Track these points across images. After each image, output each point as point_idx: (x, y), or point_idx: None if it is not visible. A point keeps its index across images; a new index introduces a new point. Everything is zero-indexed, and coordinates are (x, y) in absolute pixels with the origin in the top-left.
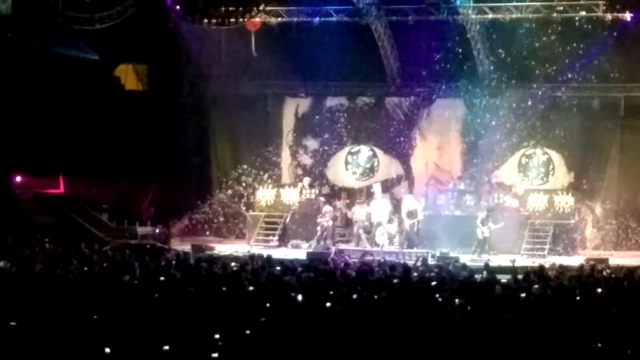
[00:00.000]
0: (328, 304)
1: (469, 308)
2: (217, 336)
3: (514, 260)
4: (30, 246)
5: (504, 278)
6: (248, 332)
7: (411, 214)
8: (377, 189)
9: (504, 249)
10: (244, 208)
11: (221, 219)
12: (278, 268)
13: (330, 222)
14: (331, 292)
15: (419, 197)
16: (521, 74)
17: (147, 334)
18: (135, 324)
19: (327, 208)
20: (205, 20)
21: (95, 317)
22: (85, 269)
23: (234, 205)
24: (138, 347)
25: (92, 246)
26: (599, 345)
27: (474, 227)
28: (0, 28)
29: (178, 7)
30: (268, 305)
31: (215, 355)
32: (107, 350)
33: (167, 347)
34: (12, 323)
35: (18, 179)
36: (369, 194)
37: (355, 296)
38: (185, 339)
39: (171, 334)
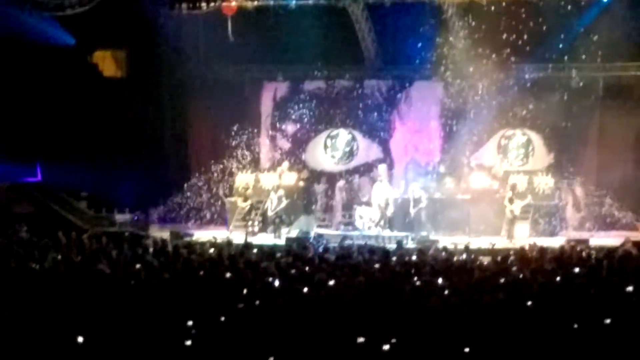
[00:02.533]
0: (306, 289)
1: (447, 291)
2: (190, 323)
3: (494, 244)
4: (7, 236)
5: (484, 260)
6: (222, 319)
7: (416, 202)
8: (382, 170)
9: (484, 231)
10: (222, 193)
11: (200, 205)
12: (255, 252)
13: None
14: (309, 277)
15: (399, 180)
16: (500, 55)
17: (121, 322)
18: (110, 312)
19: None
20: (179, 5)
21: (69, 305)
22: (60, 257)
23: (212, 190)
24: (112, 335)
25: (70, 234)
26: (577, 326)
27: (454, 209)
28: None
29: None
30: (245, 291)
31: (189, 342)
32: (80, 339)
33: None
34: None
35: None
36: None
37: (333, 281)
38: (158, 327)
39: (145, 321)
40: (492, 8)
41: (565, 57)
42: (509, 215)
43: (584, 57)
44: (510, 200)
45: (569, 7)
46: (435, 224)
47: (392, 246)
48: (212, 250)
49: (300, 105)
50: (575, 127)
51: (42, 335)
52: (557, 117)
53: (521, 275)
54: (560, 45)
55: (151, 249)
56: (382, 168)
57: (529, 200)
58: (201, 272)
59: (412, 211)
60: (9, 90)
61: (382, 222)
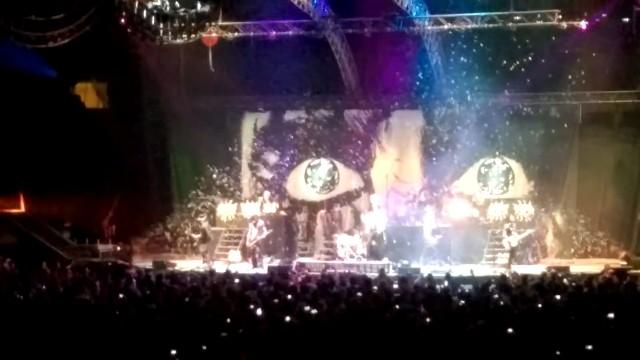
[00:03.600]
0: (288, 318)
1: (428, 319)
2: (173, 352)
3: (472, 271)
4: None
5: (465, 288)
6: (204, 347)
7: (435, 231)
8: (374, 200)
9: (464, 259)
10: (206, 224)
11: (182, 235)
12: (237, 281)
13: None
14: (291, 306)
15: (378, 209)
16: (479, 85)
17: (105, 352)
18: (94, 342)
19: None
20: (160, 36)
21: (53, 335)
22: (44, 287)
23: (194, 221)
24: None
25: (54, 265)
26: (559, 353)
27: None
28: None
29: (128, 25)
30: (228, 320)
31: None
32: None
33: None
34: None
35: None
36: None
37: (315, 310)
38: (142, 356)
39: (129, 351)
40: (472, 38)
41: (544, 86)
42: (507, 247)
43: (562, 85)
44: (508, 232)
45: (549, 36)
46: (417, 252)
47: (373, 275)
48: (194, 280)
49: (281, 135)
50: (555, 155)
51: None
52: (536, 145)
53: (502, 303)
54: (539, 74)
55: (134, 279)
56: (374, 197)
57: (528, 233)
58: (184, 302)
59: (431, 239)
60: None
61: (372, 251)
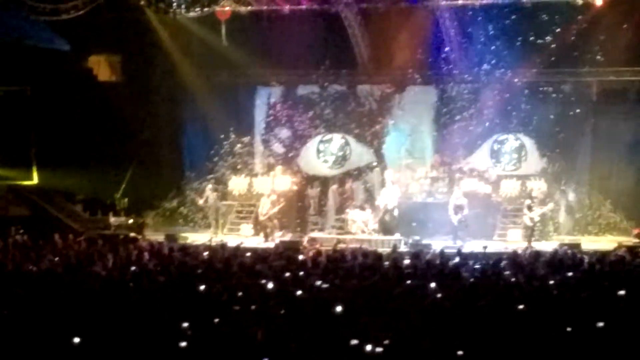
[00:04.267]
0: (299, 292)
1: (439, 295)
2: (185, 325)
3: (486, 247)
4: (4, 238)
5: (476, 264)
6: (216, 320)
7: (459, 208)
8: (387, 175)
9: (477, 235)
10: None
11: (194, 208)
12: (248, 255)
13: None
14: (302, 281)
15: (391, 184)
16: (492, 60)
17: (116, 324)
18: (106, 315)
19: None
20: (173, 9)
21: (65, 307)
22: (56, 259)
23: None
24: (107, 337)
25: (66, 237)
26: (570, 329)
27: (446, 214)
28: None
29: None
30: (239, 293)
31: (184, 344)
32: (76, 340)
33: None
34: None
35: None
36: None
37: (326, 285)
38: (153, 328)
39: (140, 323)
40: (486, 13)
41: (559, 62)
42: (529, 223)
43: (577, 62)
44: (529, 208)
45: (563, 11)
46: (428, 228)
47: (385, 250)
48: (206, 253)
49: (294, 109)
50: (569, 132)
51: (39, 336)
52: (550, 121)
53: (514, 279)
54: (554, 50)
55: (146, 252)
56: (388, 173)
57: (549, 207)
58: (195, 274)
59: (455, 218)
60: (5, 94)
61: (383, 226)
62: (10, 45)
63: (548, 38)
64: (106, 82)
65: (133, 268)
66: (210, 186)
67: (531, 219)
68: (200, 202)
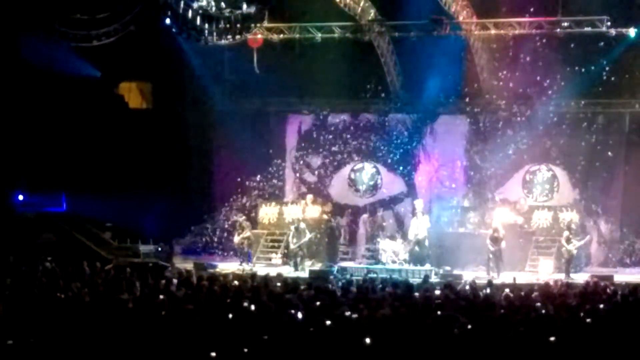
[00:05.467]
0: (328, 322)
1: (470, 326)
2: (213, 354)
3: (514, 279)
4: (32, 265)
5: (508, 295)
6: (246, 350)
7: (495, 240)
8: (418, 205)
9: (508, 266)
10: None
11: (223, 236)
12: (279, 285)
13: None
14: (332, 310)
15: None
16: (525, 90)
17: (145, 353)
18: (134, 343)
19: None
20: (205, 37)
21: (93, 335)
22: (84, 287)
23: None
24: None
25: (94, 265)
26: None
27: (478, 244)
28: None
29: (173, 24)
30: (268, 323)
31: None
32: None
33: None
34: (9, 342)
35: (21, 197)
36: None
37: (355, 315)
38: (182, 357)
39: (169, 352)
40: (518, 43)
41: (592, 93)
42: (566, 256)
43: (610, 93)
44: (568, 240)
45: (596, 42)
46: (459, 258)
47: (415, 280)
48: (235, 282)
49: (325, 138)
50: (601, 163)
51: None
52: (582, 152)
53: (544, 311)
54: (587, 81)
55: (175, 280)
56: (419, 203)
57: (587, 239)
58: (225, 304)
59: (492, 249)
60: (36, 121)
61: (414, 256)
62: (40, 72)
63: (581, 69)
64: (137, 109)
65: (161, 296)
66: (243, 218)
67: (569, 252)
68: (238, 238)
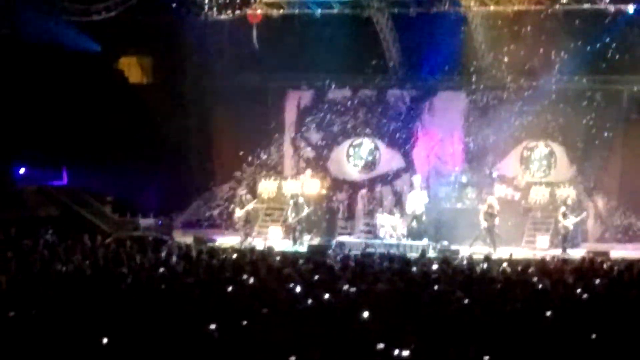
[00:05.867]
0: (327, 296)
1: (467, 300)
2: (212, 327)
3: (511, 254)
4: (33, 238)
5: (505, 271)
6: (244, 323)
7: (488, 216)
8: (416, 180)
9: (504, 242)
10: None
11: (223, 211)
12: (278, 259)
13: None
14: (330, 284)
15: (420, 190)
16: (523, 67)
17: (144, 325)
18: (133, 316)
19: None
20: (204, 12)
21: (94, 307)
22: (85, 260)
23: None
24: (135, 338)
25: (95, 238)
26: (595, 337)
27: (475, 220)
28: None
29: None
30: (267, 297)
31: (211, 346)
32: (105, 340)
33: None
34: (11, 313)
35: (22, 171)
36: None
37: (354, 289)
38: (181, 330)
39: (168, 324)
40: (517, 19)
41: (590, 70)
42: (562, 231)
43: (608, 70)
44: (564, 215)
45: (595, 19)
46: (456, 234)
47: (413, 255)
48: (234, 255)
49: (324, 113)
50: (599, 140)
51: (67, 335)
52: (580, 129)
53: (541, 286)
54: (585, 58)
55: (175, 254)
56: (417, 178)
57: (583, 215)
58: (224, 278)
59: (486, 225)
60: (36, 95)
61: (412, 231)
62: (40, 46)
63: (579, 45)
64: (137, 84)
65: (161, 270)
66: (245, 192)
67: (565, 227)
68: (240, 213)
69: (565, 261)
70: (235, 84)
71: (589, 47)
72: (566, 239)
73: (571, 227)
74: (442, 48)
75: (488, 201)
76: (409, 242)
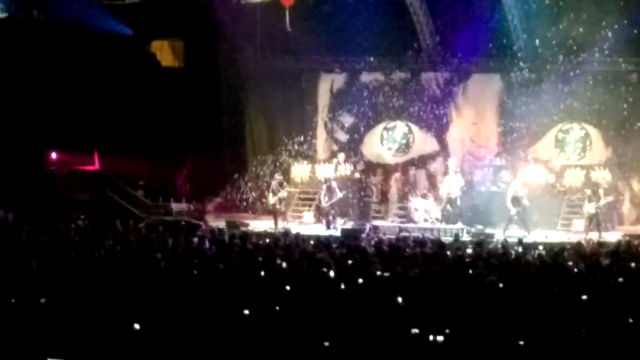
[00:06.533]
0: (360, 281)
1: (501, 284)
2: (246, 312)
3: (546, 236)
4: (65, 223)
5: (540, 254)
6: (278, 308)
7: (516, 200)
8: (451, 164)
9: (540, 225)
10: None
11: (256, 195)
12: (311, 243)
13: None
14: (364, 268)
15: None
16: (558, 48)
17: (177, 310)
18: (166, 301)
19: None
20: None
21: (126, 292)
22: (117, 245)
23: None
24: (167, 324)
25: (127, 223)
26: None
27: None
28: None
29: None
30: (300, 281)
31: (244, 330)
32: (137, 326)
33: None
34: (43, 300)
35: (54, 156)
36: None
37: (387, 273)
38: (214, 315)
39: (201, 310)
40: (551, 1)
41: (625, 51)
42: (586, 214)
43: None
44: (589, 199)
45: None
46: (491, 217)
47: (447, 239)
48: (267, 240)
49: (358, 96)
50: (634, 122)
51: (99, 321)
52: (616, 111)
53: (576, 270)
54: (620, 38)
55: (207, 239)
56: (452, 161)
57: (611, 198)
58: (257, 262)
59: (515, 210)
60: (68, 80)
61: (446, 215)
62: (73, 30)
63: (615, 25)
64: (169, 67)
65: (193, 255)
66: (278, 176)
67: (587, 212)
68: (273, 198)
69: (600, 244)
70: (267, 67)
71: (627, 29)
72: (594, 223)
73: (593, 212)
74: (476, 30)
75: (512, 185)
76: (443, 225)
